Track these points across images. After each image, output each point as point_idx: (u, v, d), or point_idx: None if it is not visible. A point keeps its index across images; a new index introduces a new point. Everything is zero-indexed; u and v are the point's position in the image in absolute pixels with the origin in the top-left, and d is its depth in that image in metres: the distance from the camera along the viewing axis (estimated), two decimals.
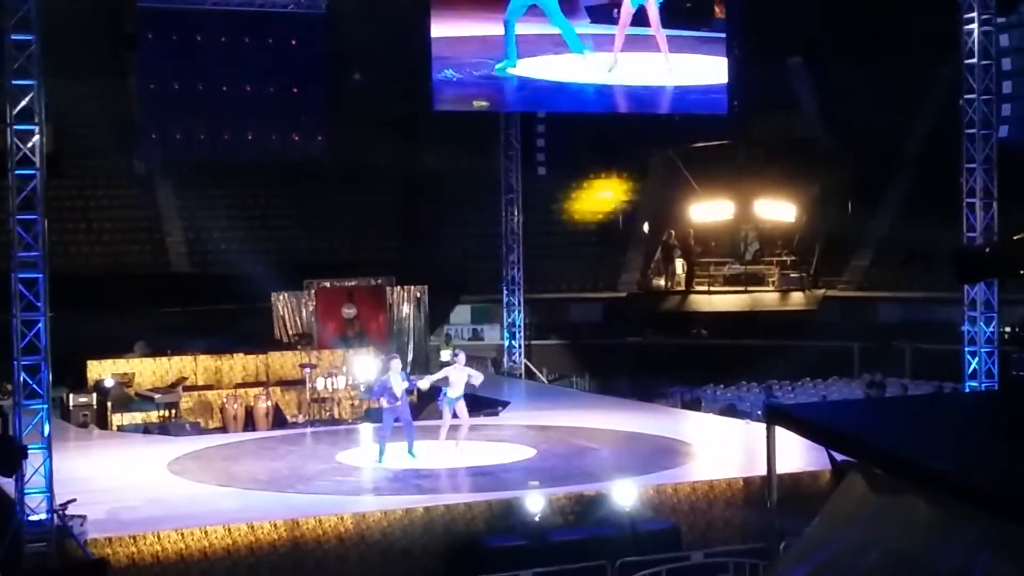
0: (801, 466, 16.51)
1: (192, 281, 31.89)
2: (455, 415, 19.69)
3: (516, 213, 30.63)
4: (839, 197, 34.64)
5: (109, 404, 23.42)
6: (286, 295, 29.47)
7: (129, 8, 31.07)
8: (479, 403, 24.99)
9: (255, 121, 31.58)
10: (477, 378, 19.95)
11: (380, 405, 19.85)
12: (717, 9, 28.16)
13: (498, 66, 26.74)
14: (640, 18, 26.89)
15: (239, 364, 24.95)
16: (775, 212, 35.02)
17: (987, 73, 21.99)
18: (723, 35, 28.33)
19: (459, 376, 19.63)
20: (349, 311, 29.66)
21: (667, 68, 27.37)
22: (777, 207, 34.92)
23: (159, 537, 14.86)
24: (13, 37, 15.22)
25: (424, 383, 20.47)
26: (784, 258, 34.81)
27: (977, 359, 22.06)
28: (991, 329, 22.04)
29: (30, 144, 15.33)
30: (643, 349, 33.62)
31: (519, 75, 27.03)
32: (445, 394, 19.63)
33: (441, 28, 26.71)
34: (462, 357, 20.17)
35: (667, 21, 27.33)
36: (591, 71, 27.25)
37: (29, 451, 15.10)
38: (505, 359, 30.96)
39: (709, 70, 28.21)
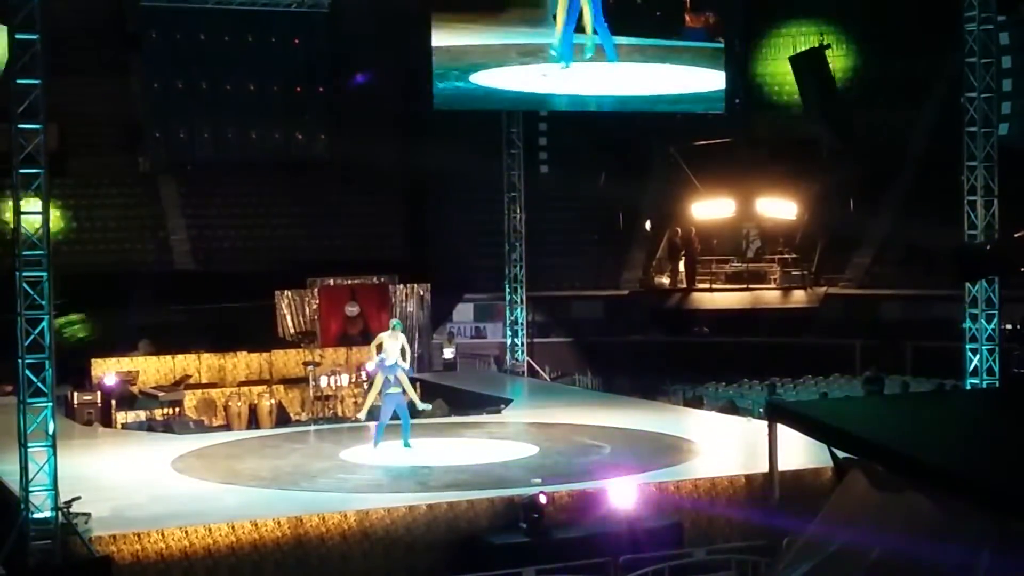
0: (803, 463, 16.51)
1: (196, 279, 31.95)
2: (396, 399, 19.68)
3: (518, 211, 30.64)
4: (840, 195, 34.66)
5: (113, 402, 23.48)
6: (290, 293, 29.52)
7: (132, 7, 31.14)
8: (482, 401, 25.09)
9: (258, 120, 31.67)
10: (407, 354, 20.10)
11: (378, 364, 19.90)
12: (688, 18, 28.18)
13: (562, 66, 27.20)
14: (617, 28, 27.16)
15: (243, 362, 25.03)
16: (777, 210, 35.06)
17: (987, 71, 22.03)
18: (693, 43, 28.32)
19: (392, 344, 19.76)
20: (352, 309, 29.74)
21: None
22: (779, 205, 34.96)
23: (163, 535, 14.87)
24: (17, 36, 15.23)
25: (370, 364, 20.66)
26: (786, 256, 34.87)
27: (978, 356, 22.09)
28: (992, 326, 22.07)
29: (34, 143, 15.34)
30: (645, 347, 33.69)
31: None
32: (383, 361, 19.72)
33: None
34: (397, 326, 20.38)
35: (637, 31, 27.52)
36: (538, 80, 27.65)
37: (34, 449, 15.12)
38: (508, 357, 30.97)
39: (681, 79, 28.53)
